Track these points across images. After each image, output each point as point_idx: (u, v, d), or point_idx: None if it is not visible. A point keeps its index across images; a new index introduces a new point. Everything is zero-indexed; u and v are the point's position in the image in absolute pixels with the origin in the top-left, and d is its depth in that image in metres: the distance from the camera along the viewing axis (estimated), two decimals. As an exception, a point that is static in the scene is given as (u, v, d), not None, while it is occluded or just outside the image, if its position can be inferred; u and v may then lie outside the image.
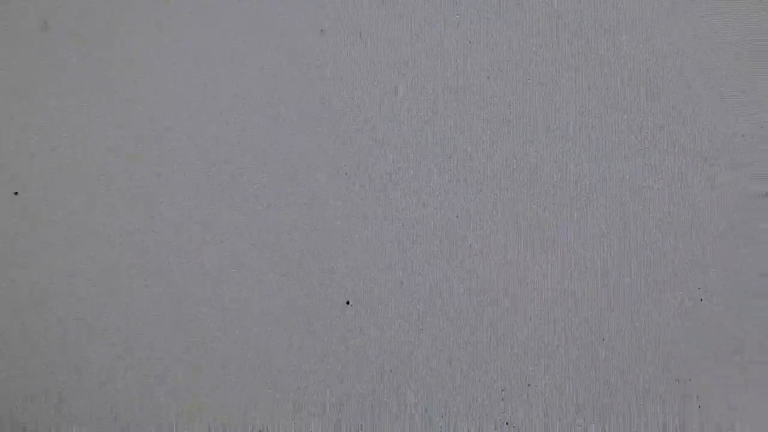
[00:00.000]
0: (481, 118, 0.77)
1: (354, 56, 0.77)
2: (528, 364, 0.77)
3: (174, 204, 0.76)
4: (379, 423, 0.77)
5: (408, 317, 0.77)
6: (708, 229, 0.77)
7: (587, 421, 0.77)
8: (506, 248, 0.77)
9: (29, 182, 0.76)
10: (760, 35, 0.78)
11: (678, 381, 0.76)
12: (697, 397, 0.76)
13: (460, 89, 0.77)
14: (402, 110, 0.77)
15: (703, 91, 0.77)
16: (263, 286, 0.76)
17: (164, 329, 0.76)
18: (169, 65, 0.77)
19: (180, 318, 0.76)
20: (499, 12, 0.77)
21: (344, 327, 0.76)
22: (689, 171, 0.77)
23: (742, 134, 0.77)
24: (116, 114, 0.76)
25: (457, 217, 0.77)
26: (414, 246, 0.77)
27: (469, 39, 0.77)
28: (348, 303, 0.76)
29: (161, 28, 0.77)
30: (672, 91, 0.77)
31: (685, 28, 0.77)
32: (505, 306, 0.77)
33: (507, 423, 0.77)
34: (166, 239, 0.76)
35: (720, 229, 0.77)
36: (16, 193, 0.76)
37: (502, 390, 0.77)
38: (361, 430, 0.77)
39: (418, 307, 0.77)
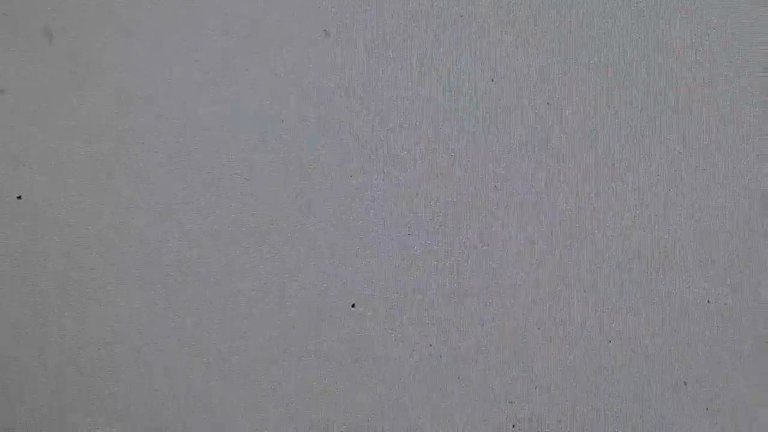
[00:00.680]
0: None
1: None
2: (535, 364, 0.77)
3: (181, 208, 0.76)
4: (380, 423, 0.77)
5: (414, 320, 0.77)
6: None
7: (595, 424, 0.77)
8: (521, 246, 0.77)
9: (32, 186, 0.76)
10: None
11: (686, 383, 0.77)
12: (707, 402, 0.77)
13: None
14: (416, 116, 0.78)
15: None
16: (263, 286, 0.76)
17: (164, 330, 0.76)
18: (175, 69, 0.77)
19: (181, 320, 0.76)
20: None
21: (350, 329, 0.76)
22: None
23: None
24: (121, 118, 0.77)
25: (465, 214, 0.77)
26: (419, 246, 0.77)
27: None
28: (353, 306, 0.76)
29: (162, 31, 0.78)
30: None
31: None
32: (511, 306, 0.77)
33: (514, 426, 0.77)
34: (173, 246, 0.76)
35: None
36: (19, 197, 0.76)
37: (510, 402, 0.77)
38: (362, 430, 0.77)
39: (422, 309, 0.77)
